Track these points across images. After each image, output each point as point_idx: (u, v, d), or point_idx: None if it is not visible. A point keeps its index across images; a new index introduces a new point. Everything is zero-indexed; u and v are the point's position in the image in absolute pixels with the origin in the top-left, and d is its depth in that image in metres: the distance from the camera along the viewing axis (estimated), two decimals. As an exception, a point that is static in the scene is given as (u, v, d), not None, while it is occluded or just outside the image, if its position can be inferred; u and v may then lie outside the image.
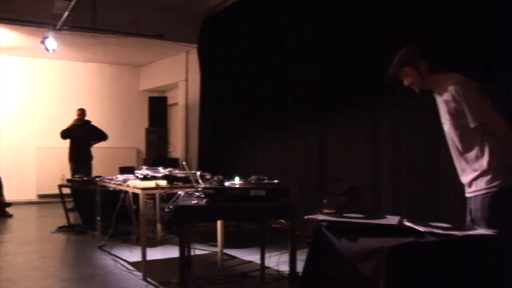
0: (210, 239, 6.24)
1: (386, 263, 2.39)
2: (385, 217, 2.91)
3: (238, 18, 8.64)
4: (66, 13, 8.13)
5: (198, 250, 6.00)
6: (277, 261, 5.20)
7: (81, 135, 9.93)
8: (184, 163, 5.79)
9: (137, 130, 12.28)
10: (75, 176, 8.80)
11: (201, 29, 9.83)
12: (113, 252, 6.29)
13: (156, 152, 10.66)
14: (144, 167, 5.82)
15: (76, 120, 9.96)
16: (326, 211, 5.55)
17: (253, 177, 4.10)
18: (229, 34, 8.88)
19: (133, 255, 6.03)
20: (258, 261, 5.12)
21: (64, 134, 9.88)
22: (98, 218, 6.64)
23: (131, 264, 5.68)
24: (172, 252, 6.16)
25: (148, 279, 5.00)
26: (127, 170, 7.32)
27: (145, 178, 5.21)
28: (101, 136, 10.08)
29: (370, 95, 6.05)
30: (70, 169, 9.90)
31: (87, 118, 10.12)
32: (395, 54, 3.38)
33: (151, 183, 5.12)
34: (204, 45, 9.83)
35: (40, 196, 11.62)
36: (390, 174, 5.80)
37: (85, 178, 8.01)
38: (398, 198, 5.65)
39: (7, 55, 11.49)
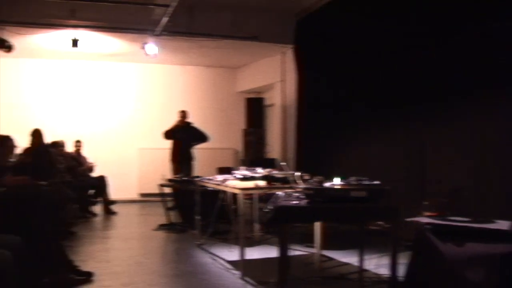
0: (307, 239, 6.20)
1: (497, 272, 2.26)
2: (494, 222, 2.76)
3: (334, 17, 8.52)
4: (165, 19, 8.40)
5: (295, 251, 5.99)
6: (376, 264, 5.08)
7: (183, 136, 10.11)
8: (283, 163, 5.79)
9: (234, 131, 12.47)
10: (176, 176, 9.04)
11: (297, 30, 9.78)
12: (212, 250, 6.42)
13: (253, 152, 10.73)
14: (243, 167, 5.89)
15: (179, 122, 10.17)
16: (427, 213, 5.35)
17: (353, 177, 4.03)
18: (326, 33, 8.78)
19: (232, 254, 6.10)
20: (356, 263, 5.04)
21: (167, 135, 10.11)
22: (198, 217, 6.79)
23: (230, 262, 5.76)
24: (270, 252, 6.17)
25: (246, 278, 5.04)
26: (225, 170, 7.43)
27: (244, 178, 5.27)
28: (202, 137, 10.16)
29: (476, 91, 5.75)
30: (172, 169, 10.11)
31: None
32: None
33: (250, 184, 5.16)
34: (300, 45, 9.78)
35: (142, 195, 12.06)
36: (498, 175, 5.49)
37: (185, 178, 8.21)
38: (507, 202, 5.33)
39: (112, 61, 12.11)
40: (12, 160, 6.18)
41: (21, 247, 3.47)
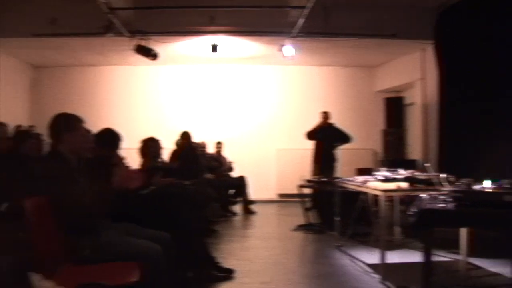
0: (451, 245, 5.89)
1: None
2: None
3: (477, 8, 8.04)
4: (301, 20, 8.43)
5: (439, 256, 5.73)
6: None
7: (325, 137, 9.97)
8: (427, 164, 5.58)
9: (373, 132, 12.20)
10: (315, 176, 9.03)
11: (437, 24, 9.36)
12: (351, 252, 6.34)
13: (393, 153, 10.45)
14: (383, 168, 5.76)
15: (321, 122, 10.03)
16: None
17: (505, 180, 3.75)
18: (469, 26, 8.30)
19: (371, 256, 5.97)
20: (508, 275, 4.71)
21: (310, 135, 10.03)
22: (337, 218, 6.74)
23: (369, 265, 5.64)
24: (411, 256, 5.96)
25: (386, 282, 4.91)
26: (364, 171, 7.30)
27: (386, 180, 5.15)
28: (344, 138, 9.94)
29: None
30: (313, 170, 10.02)
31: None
32: None
33: (392, 185, 5.03)
34: (441, 40, 9.35)
35: (280, 195, 12.21)
36: None
37: (324, 179, 8.18)
38: None
39: (251, 64, 12.44)
40: (160, 160, 6.57)
41: (170, 243, 3.66)
